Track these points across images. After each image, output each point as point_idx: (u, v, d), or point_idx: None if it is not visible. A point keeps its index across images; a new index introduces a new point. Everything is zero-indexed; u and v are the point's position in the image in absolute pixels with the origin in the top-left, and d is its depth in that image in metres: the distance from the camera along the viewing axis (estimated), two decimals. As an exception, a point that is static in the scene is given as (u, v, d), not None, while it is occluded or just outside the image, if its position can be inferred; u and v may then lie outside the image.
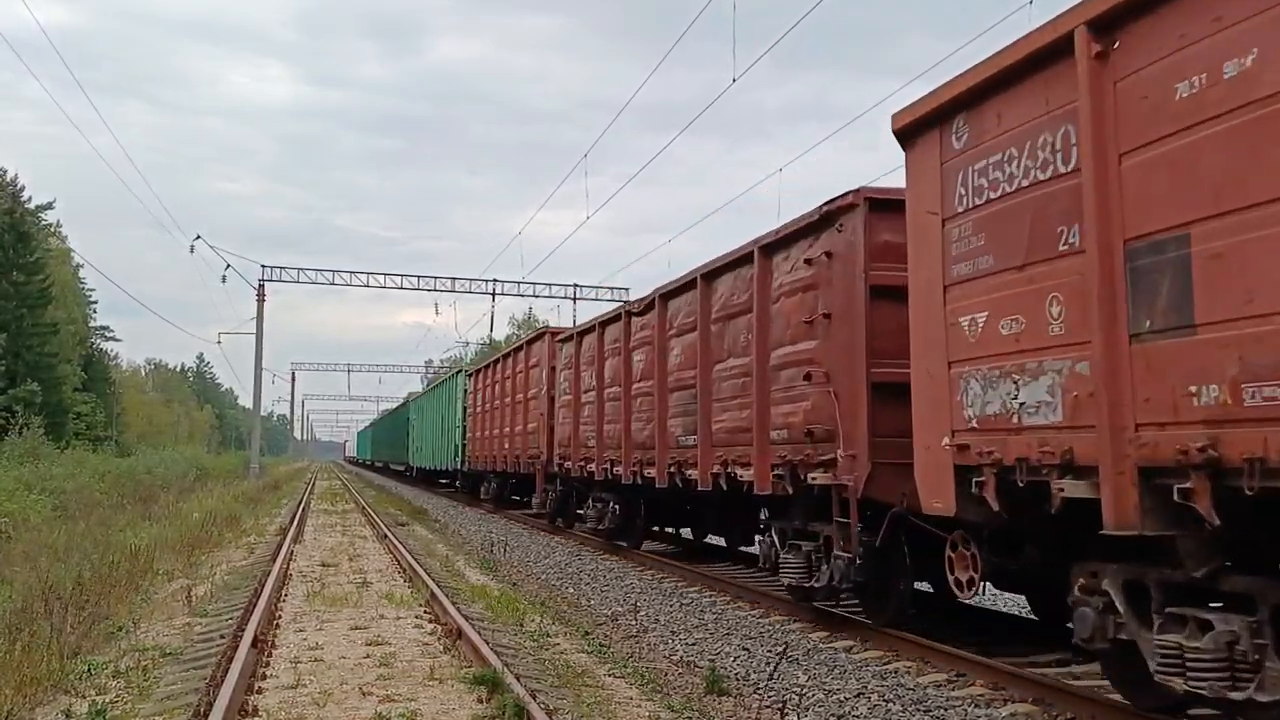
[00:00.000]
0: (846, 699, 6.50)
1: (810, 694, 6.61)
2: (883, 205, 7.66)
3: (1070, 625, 5.75)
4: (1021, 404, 5.40)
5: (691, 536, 15.96)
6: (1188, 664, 4.62)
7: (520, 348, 22.05)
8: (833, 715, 6.17)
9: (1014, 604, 10.35)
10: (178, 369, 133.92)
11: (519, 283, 44.23)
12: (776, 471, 8.79)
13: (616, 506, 14.62)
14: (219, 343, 73.47)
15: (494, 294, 43.95)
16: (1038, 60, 5.34)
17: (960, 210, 5.98)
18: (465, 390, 28.90)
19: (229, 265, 39.93)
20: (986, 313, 5.71)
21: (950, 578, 6.74)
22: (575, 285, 44.43)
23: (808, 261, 8.41)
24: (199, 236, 40.59)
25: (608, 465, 14.11)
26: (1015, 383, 5.46)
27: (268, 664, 7.39)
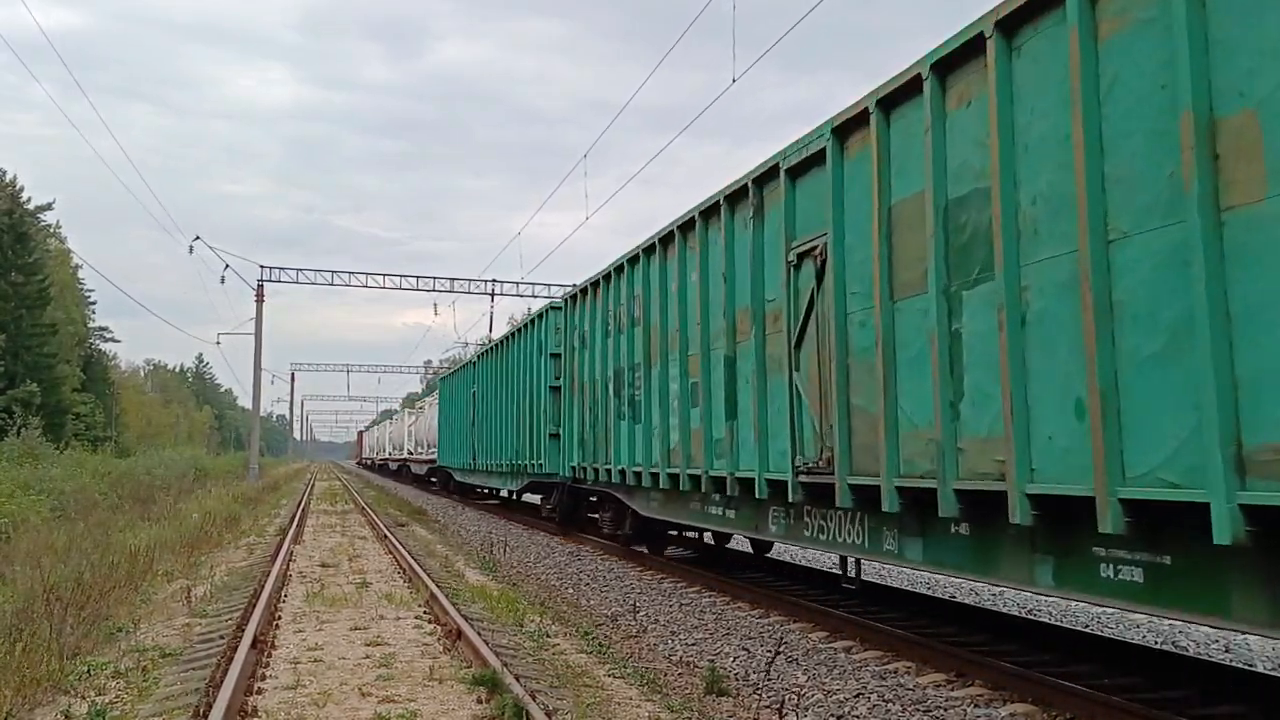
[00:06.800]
0: (846, 699, 6.50)
1: (809, 694, 6.61)
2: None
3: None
4: None
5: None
6: None
7: None
8: (832, 715, 6.17)
9: (1014, 604, 10.35)
10: (177, 370, 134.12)
11: (518, 283, 44.24)
12: None
13: None
14: (218, 343, 73.28)
15: (493, 294, 43.97)
16: None
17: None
18: None
19: (228, 265, 39.87)
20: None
21: None
22: (574, 286, 44.29)
23: None
24: (198, 237, 40.55)
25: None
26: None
27: (267, 664, 7.39)
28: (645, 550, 14.16)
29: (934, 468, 6.14)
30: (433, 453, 35.95)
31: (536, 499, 22.03)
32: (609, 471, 13.02)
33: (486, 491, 29.53)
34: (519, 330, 19.94)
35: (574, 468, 14.87)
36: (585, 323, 14.56)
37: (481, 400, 24.21)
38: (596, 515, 15.73)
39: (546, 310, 17.64)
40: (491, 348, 23.34)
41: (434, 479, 39.08)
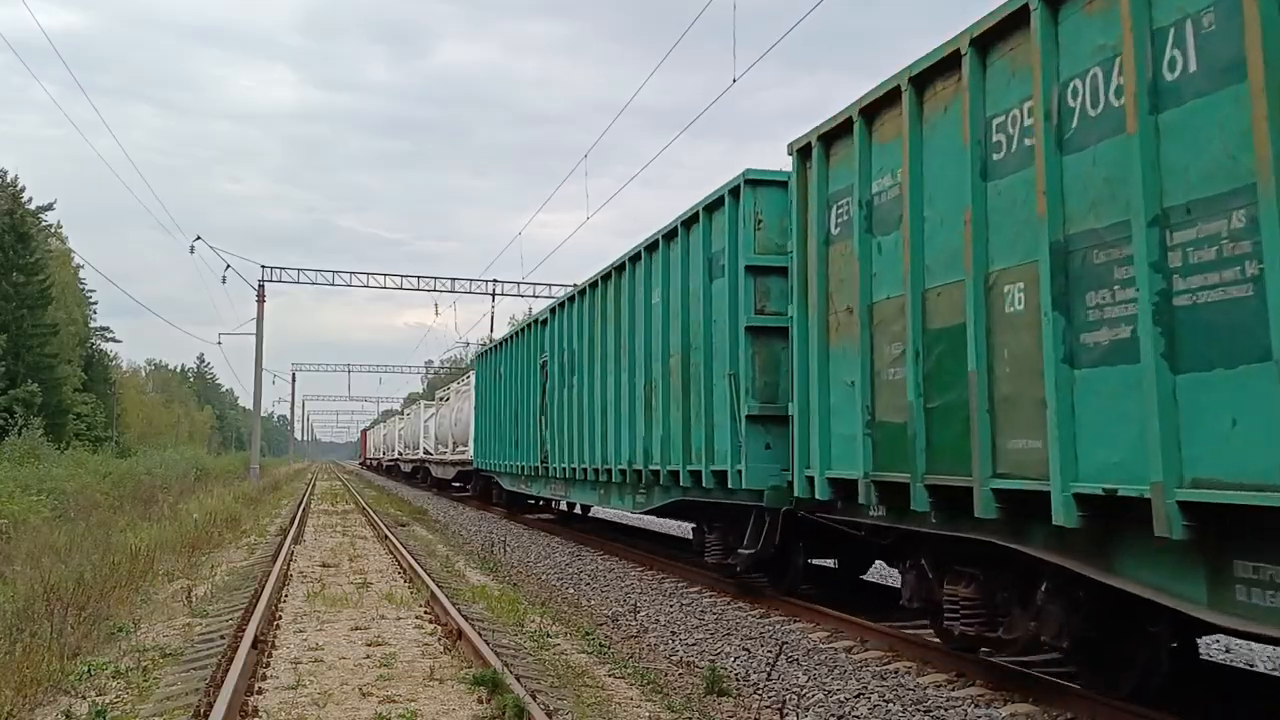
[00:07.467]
0: (846, 699, 6.50)
1: (810, 694, 6.61)
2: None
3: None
4: None
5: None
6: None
7: None
8: (833, 715, 6.17)
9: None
10: (178, 370, 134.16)
11: (519, 283, 44.30)
12: None
13: None
14: (219, 343, 73.28)
15: (494, 294, 44.03)
16: None
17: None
18: None
19: (229, 265, 39.88)
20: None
21: None
22: (575, 286, 44.19)
23: None
24: (199, 237, 40.56)
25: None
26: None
27: (268, 664, 7.39)
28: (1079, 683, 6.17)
29: None
30: (462, 451, 28.32)
31: (664, 522, 15.39)
32: (997, 497, 5.59)
33: (540, 503, 21.76)
34: (655, 244, 11.73)
35: (836, 482, 7.46)
36: (878, 182, 6.95)
37: (561, 372, 16.21)
38: (838, 566, 9.46)
39: (736, 187, 9.54)
40: (589, 285, 14.88)
41: (459, 484, 31.28)
